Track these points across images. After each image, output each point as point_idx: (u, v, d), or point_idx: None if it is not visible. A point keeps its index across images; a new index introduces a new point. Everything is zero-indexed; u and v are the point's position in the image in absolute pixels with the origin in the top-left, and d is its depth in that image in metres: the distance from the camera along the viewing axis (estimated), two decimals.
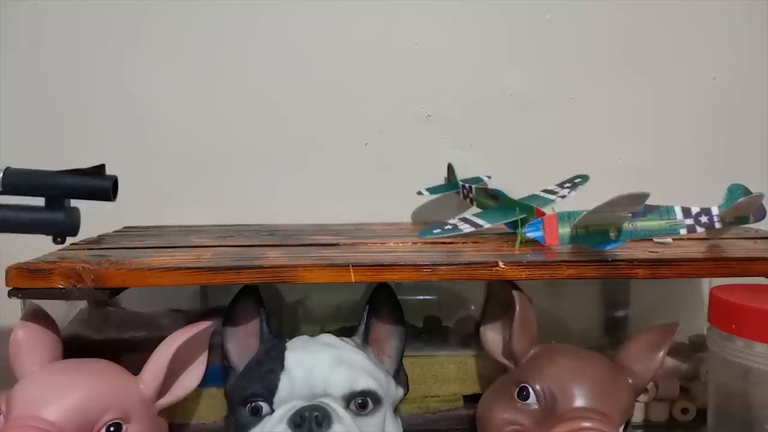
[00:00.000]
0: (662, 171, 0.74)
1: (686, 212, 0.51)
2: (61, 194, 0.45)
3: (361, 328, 0.50)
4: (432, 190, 0.70)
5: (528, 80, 0.73)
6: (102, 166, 0.47)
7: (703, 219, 0.51)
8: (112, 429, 0.41)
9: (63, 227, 0.45)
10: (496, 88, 0.73)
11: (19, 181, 0.44)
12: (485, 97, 0.73)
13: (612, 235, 0.49)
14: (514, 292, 0.47)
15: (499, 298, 0.51)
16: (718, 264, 0.47)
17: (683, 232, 0.50)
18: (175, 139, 0.71)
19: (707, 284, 0.63)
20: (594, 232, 0.49)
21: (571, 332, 0.69)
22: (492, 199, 0.62)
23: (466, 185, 0.66)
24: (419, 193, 0.69)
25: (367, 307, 0.50)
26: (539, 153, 0.73)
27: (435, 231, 0.56)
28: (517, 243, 0.53)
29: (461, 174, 0.70)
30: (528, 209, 0.56)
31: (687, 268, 0.46)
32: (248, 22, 0.70)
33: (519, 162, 0.73)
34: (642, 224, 0.50)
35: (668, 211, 0.51)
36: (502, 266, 0.45)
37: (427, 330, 0.60)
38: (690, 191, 0.75)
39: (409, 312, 0.52)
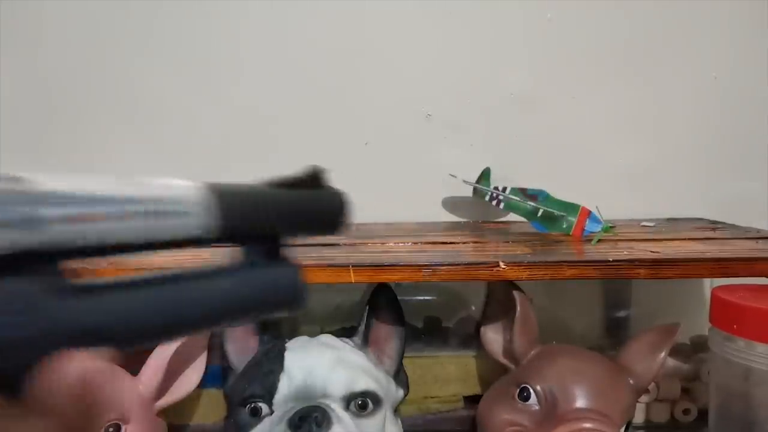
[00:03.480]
0: (662, 171, 0.74)
1: None
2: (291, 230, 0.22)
3: (361, 328, 0.49)
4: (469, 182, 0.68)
5: (528, 80, 0.72)
6: (319, 171, 0.24)
7: None
8: (111, 430, 0.41)
9: (299, 293, 0.21)
10: (496, 88, 0.72)
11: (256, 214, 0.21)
12: (485, 97, 0.72)
13: None
14: (515, 293, 0.47)
15: (500, 299, 0.51)
16: (719, 264, 0.47)
17: None
18: (174, 138, 0.71)
19: (708, 284, 0.63)
20: None
21: (572, 333, 0.69)
22: (531, 200, 0.61)
23: (499, 187, 0.65)
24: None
25: (367, 307, 0.50)
26: (539, 153, 0.73)
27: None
28: (595, 240, 0.54)
29: (460, 174, 0.70)
30: (573, 209, 0.56)
31: (688, 268, 0.46)
32: (247, 21, 0.70)
33: (519, 162, 0.73)
34: None
35: None
36: (503, 266, 0.44)
37: (428, 330, 0.60)
38: (690, 191, 0.75)
39: (409, 312, 0.52)
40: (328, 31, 0.71)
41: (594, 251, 0.49)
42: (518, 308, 0.46)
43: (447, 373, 0.55)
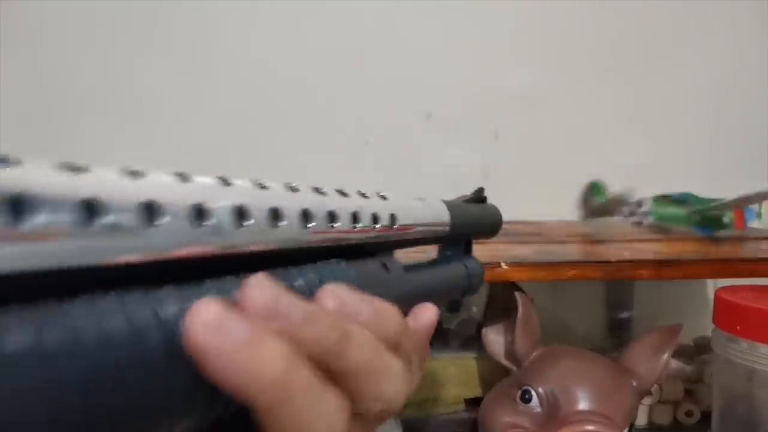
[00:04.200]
0: (663, 171, 0.74)
1: None
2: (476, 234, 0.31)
3: None
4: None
5: (529, 79, 0.72)
6: (482, 191, 0.33)
7: None
8: None
9: (481, 281, 0.29)
10: (496, 88, 0.72)
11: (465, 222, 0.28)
12: (485, 97, 0.72)
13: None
14: (517, 294, 0.47)
15: (501, 300, 0.51)
16: (722, 265, 0.46)
17: None
18: (173, 138, 0.71)
19: (712, 285, 0.62)
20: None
21: (574, 334, 0.68)
22: (678, 205, 0.58)
23: (632, 203, 0.61)
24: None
25: None
26: (540, 153, 0.73)
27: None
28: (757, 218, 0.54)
29: (460, 173, 0.69)
30: (723, 202, 0.55)
31: (691, 268, 0.46)
32: (247, 19, 0.70)
33: (519, 162, 0.73)
34: None
35: None
36: (505, 267, 0.44)
37: None
38: (691, 191, 0.75)
39: None
40: (328, 31, 0.71)
41: (596, 252, 0.49)
42: (520, 309, 0.46)
43: (448, 375, 0.54)
